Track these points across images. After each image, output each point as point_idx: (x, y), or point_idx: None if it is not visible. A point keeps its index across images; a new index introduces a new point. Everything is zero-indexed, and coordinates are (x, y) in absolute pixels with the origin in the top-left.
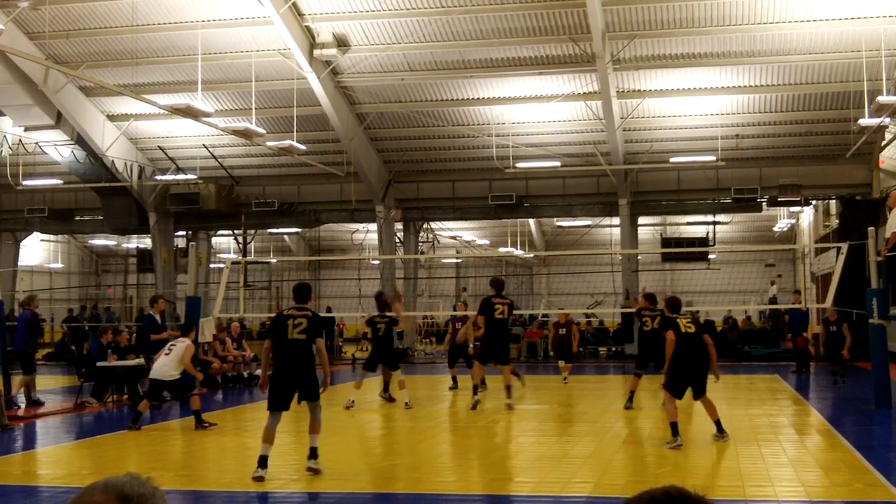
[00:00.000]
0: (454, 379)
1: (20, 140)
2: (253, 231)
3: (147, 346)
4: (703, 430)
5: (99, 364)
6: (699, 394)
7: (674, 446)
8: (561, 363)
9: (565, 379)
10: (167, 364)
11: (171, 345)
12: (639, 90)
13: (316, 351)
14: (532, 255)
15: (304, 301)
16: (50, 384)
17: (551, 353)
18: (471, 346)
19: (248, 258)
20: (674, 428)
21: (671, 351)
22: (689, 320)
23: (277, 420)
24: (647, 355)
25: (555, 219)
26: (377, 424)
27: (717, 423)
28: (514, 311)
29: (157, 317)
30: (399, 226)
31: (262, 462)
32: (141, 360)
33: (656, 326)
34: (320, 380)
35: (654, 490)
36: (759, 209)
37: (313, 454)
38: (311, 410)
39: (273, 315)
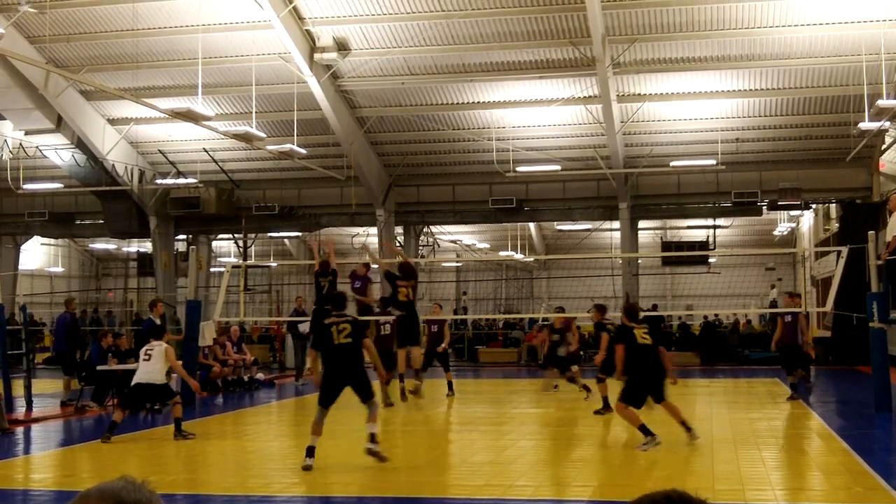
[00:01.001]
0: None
1: (21, 144)
2: (253, 235)
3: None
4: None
5: (99, 368)
6: (659, 399)
7: (652, 445)
8: (555, 371)
9: (556, 386)
10: (151, 369)
11: (148, 350)
12: (639, 94)
13: (365, 350)
14: (532, 259)
15: (341, 308)
16: (50, 388)
17: (540, 360)
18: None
19: (249, 262)
20: (643, 430)
21: (621, 366)
22: (645, 331)
23: (325, 415)
24: (612, 361)
25: (555, 222)
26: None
27: (684, 423)
28: (514, 314)
29: (157, 320)
30: (399, 229)
31: (310, 452)
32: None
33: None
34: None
35: (656, 493)
36: (760, 213)
37: (372, 439)
38: (369, 407)
39: (277, 319)
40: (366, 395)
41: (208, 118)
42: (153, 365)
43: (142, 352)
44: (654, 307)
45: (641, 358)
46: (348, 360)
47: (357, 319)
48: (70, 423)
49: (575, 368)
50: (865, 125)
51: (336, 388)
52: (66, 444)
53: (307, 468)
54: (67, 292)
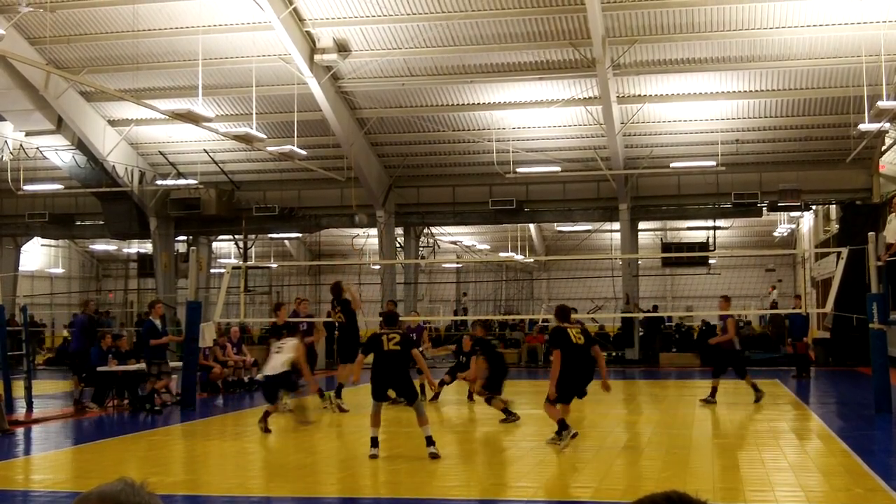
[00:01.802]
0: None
1: (21, 145)
2: (253, 236)
3: (147, 351)
4: (703, 435)
5: (99, 369)
6: (581, 396)
7: (566, 441)
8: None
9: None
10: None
11: (280, 345)
12: (639, 95)
13: (414, 358)
14: (532, 260)
15: (393, 325)
16: (50, 389)
17: (541, 360)
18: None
19: (249, 263)
20: (561, 424)
21: (556, 369)
22: (578, 331)
23: (380, 408)
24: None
25: (555, 224)
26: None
27: (561, 422)
28: (515, 316)
29: (157, 322)
30: (399, 231)
31: (374, 442)
32: (141, 365)
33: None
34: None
35: (656, 495)
36: (760, 214)
37: (430, 442)
38: (415, 409)
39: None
40: (410, 399)
41: (208, 119)
42: (282, 358)
43: (275, 347)
44: (655, 308)
45: (575, 357)
46: (394, 365)
47: (406, 333)
48: (70, 424)
49: None
50: (865, 126)
51: (384, 387)
52: (66, 444)
53: (374, 457)
54: (68, 293)
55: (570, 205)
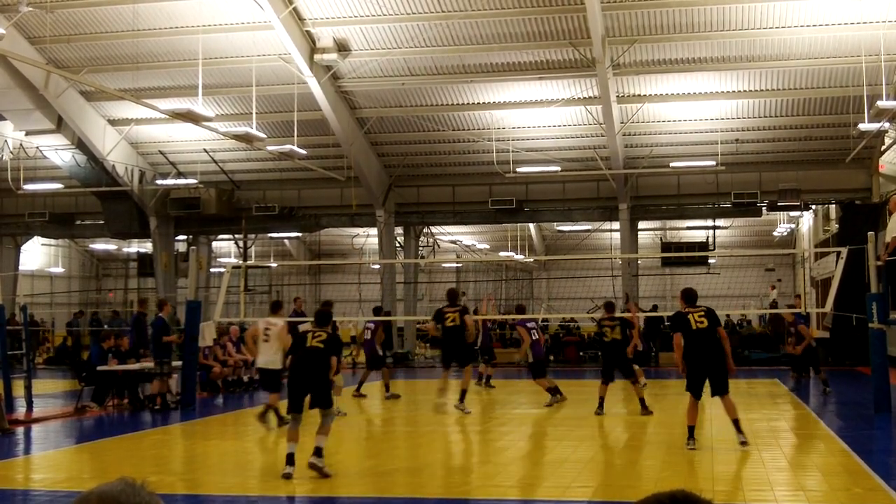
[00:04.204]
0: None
1: (21, 144)
2: (253, 235)
3: (156, 348)
4: (703, 435)
5: (100, 368)
6: (718, 391)
7: (690, 447)
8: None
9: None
10: (270, 353)
11: (266, 329)
12: (639, 95)
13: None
14: (532, 260)
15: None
16: (50, 388)
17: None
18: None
19: (249, 262)
20: (690, 431)
21: (679, 353)
22: (701, 314)
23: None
24: (611, 365)
25: (555, 223)
26: (377, 428)
27: (736, 422)
28: (514, 315)
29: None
30: (399, 230)
31: (290, 459)
32: (144, 364)
33: (617, 337)
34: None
35: (661, 494)
36: (759, 214)
37: (318, 452)
38: (323, 418)
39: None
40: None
41: (208, 119)
42: (272, 346)
43: (261, 332)
44: (655, 307)
45: (696, 342)
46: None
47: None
48: (70, 424)
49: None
50: (865, 126)
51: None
52: (66, 444)
53: (287, 476)
54: (68, 293)
55: (569, 204)
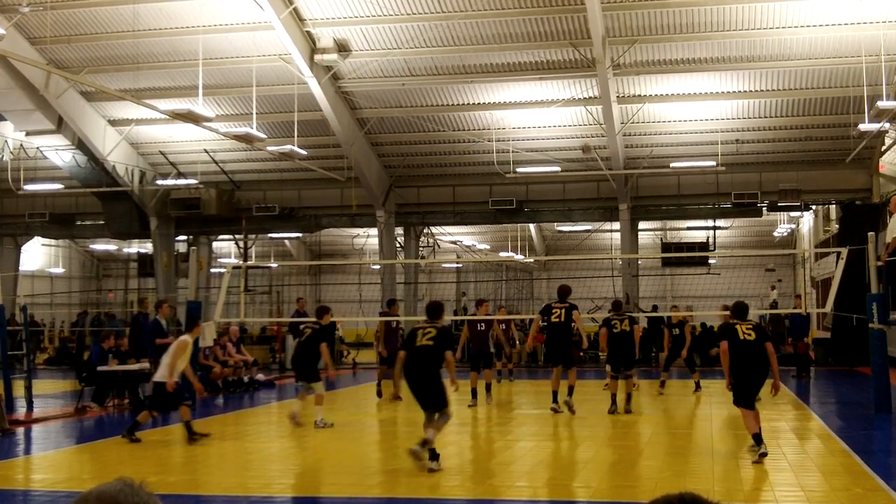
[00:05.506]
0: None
1: (21, 145)
2: (254, 236)
3: (152, 350)
4: (703, 435)
5: (100, 369)
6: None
7: (758, 455)
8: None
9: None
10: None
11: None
12: (639, 95)
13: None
14: (532, 260)
15: (436, 317)
16: (50, 388)
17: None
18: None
19: (249, 263)
20: (756, 438)
21: (726, 361)
22: (749, 327)
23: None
24: (618, 356)
25: (555, 223)
26: (377, 428)
27: (756, 436)
28: (514, 315)
29: (164, 322)
30: (399, 230)
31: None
32: (143, 365)
33: (626, 328)
34: None
35: (670, 495)
36: (760, 214)
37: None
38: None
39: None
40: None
41: (209, 119)
42: (163, 360)
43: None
44: (655, 308)
45: (743, 353)
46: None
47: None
48: (70, 424)
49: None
50: (865, 126)
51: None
52: (66, 444)
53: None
54: (68, 293)
55: (569, 205)
